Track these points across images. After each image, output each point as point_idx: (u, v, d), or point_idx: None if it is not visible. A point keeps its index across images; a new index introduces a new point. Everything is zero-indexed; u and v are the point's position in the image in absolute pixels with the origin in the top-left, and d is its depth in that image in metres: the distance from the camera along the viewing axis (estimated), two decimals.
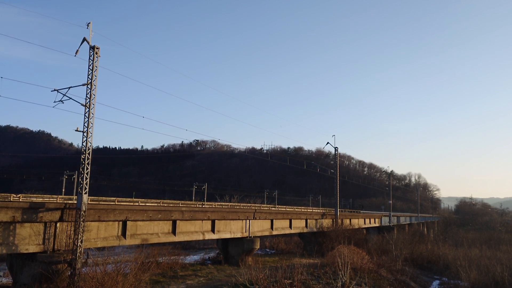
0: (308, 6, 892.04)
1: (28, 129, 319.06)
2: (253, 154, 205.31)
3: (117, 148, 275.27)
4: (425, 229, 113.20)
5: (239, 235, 39.38)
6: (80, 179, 22.98)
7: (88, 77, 23.65)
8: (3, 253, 21.29)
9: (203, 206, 38.67)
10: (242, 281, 23.99)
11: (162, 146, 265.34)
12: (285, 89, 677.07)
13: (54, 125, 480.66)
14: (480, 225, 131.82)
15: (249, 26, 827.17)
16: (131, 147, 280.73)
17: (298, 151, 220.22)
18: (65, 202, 24.03)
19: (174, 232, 31.62)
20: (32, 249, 22.07)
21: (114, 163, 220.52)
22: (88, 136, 23.29)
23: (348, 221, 63.76)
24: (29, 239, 21.95)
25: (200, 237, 35.09)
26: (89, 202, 23.80)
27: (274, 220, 45.75)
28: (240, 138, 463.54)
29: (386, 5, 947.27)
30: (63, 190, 60.69)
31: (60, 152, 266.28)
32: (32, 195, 28.73)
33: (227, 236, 38.07)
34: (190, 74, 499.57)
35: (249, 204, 53.72)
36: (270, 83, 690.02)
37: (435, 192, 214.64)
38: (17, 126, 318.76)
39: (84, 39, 23.77)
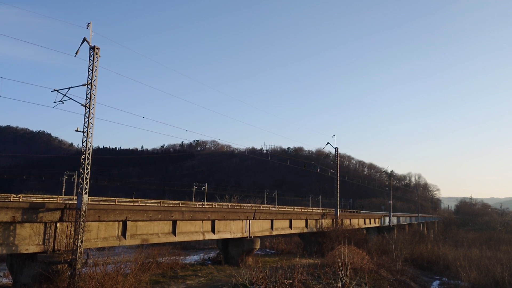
0: (308, 6, 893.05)
1: (28, 129, 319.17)
2: (253, 154, 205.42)
3: (117, 148, 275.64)
4: (425, 229, 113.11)
5: (239, 235, 39.36)
6: (80, 179, 22.97)
7: (88, 77, 23.65)
8: (3, 253, 21.29)
9: (203, 206, 38.66)
10: (242, 281, 23.99)
11: (162, 146, 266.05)
12: (285, 89, 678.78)
13: (54, 125, 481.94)
14: (480, 225, 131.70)
15: (249, 26, 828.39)
16: (131, 147, 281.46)
17: (298, 151, 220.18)
18: (65, 202, 24.02)
19: (174, 232, 31.62)
20: (32, 249, 22.07)
21: (114, 163, 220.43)
22: (88, 136, 23.29)
23: (348, 221, 63.73)
24: (29, 239, 21.95)
25: (200, 237, 35.08)
26: (89, 202, 23.80)
27: (274, 220, 45.73)
28: (240, 138, 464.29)
29: (386, 5, 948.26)
30: (63, 190, 60.66)
31: (60, 152, 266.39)
32: (32, 195, 28.70)
33: (227, 236, 38.06)
34: (190, 74, 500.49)
35: (249, 204, 53.69)
36: (270, 83, 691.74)
37: (435, 192, 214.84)
38: (17, 126, 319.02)
39: (84, 40, 23.77)
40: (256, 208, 44.82)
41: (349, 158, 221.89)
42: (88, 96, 23.51)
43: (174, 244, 46.80)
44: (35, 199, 25.26)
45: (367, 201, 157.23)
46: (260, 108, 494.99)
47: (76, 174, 56.55)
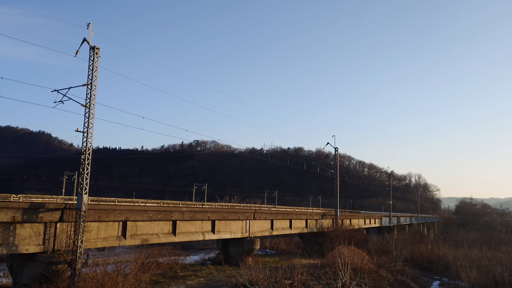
0: (308, 6, 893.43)
1: (28, 129, 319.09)
2: (253, 155, 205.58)
3: (117, 149, 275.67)
4: (425, 230, 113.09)
5: (239, 235, 39.35)
6: (80, 180, 22.97)
7: (88, 78, 23.65)
8: (3, 253, 21.28)
9: (203, 206, 38.64)
10: (242, 281, 23.97)
11: (162, 147, 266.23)
12: (285, 89, 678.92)
13: (54, 125, 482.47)
14: (480, 226, 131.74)
15: (249, 26, 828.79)
16: (131, 148, 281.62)
17: (298, 151, 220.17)
18: (65, 202, 24.02)
19: (174, 232, 31.61)
20: (32, 249, 22.06)
21: (114, 163, 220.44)
22: (88, 137, 23.29)
23: (348, 221, 63.72)
24: (29, 240, 21.94)
25: (200, 238, 35.07)
26: (89, 203, 23.79)
27: (274, 220, 45.72)
28: (240, 138, 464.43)
29: (386, 5, 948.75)
30: (63, 190, 60.54)
31: (60, 153, 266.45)
32: (32, 196, 28.68)
33: (227, 236, 38.05)
34: (190, 74, 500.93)
35: (249, 205, 53.65)
36: (270, 83, 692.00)
37: (435, 192, 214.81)
38: (17, 127, 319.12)
39: (84, 40, 23.77)
40: (256, 208, 44.80)
41: (349, 158, 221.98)
42: (88, 96, 23.51)
43: (174, 244, 46.82)
44: (35, 199, 25.26)
45: (367, 201, 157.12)
46: (260, 108, 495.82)
47: (76, 174, 56.49)
